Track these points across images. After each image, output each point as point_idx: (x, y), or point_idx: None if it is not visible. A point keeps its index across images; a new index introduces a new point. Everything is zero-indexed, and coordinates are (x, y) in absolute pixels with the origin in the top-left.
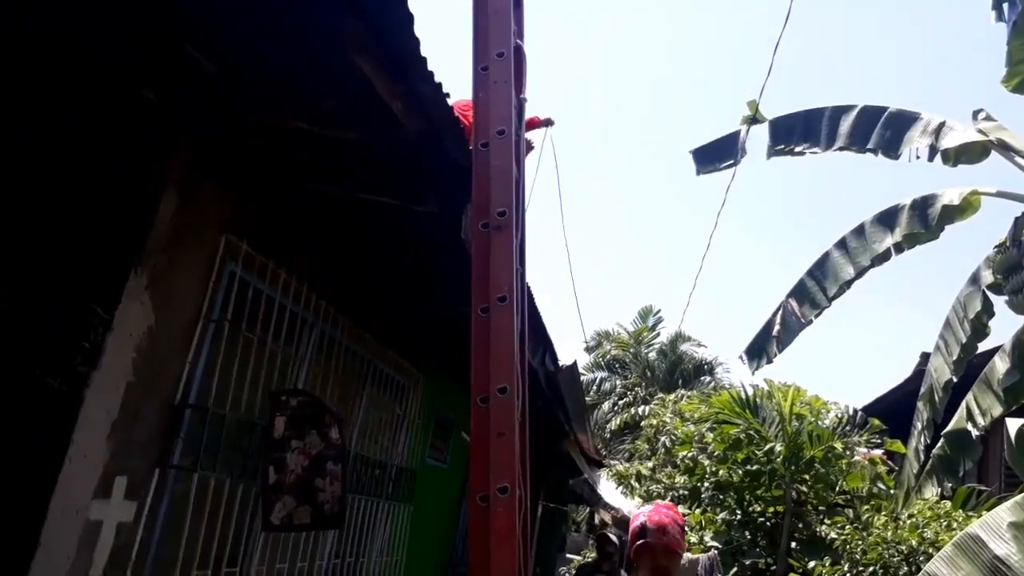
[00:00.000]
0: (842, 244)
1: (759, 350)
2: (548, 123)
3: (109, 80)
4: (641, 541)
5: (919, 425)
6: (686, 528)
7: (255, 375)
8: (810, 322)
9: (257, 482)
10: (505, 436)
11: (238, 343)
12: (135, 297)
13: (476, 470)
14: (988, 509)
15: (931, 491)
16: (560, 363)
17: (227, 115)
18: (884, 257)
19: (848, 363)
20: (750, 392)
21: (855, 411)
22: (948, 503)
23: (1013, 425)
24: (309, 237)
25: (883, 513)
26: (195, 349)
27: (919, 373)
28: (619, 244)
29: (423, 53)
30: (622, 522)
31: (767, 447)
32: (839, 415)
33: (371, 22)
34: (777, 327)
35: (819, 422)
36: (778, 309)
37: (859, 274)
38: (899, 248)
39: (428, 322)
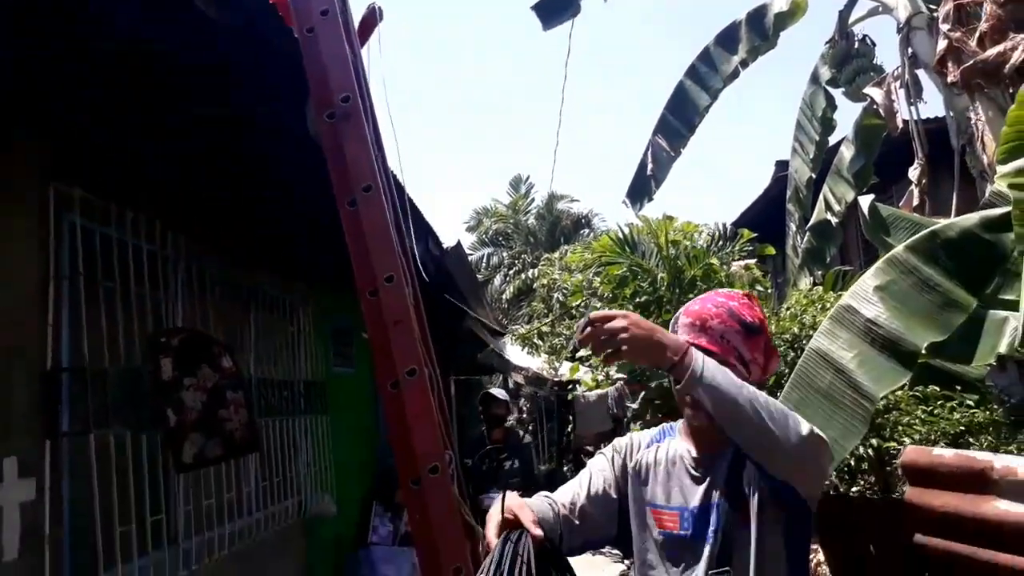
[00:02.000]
0: (693, 72)
1: (639, 191)
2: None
3: None
4: None
5: (792, 226)
6: (753, 326)
7: (128, 324)
8: (679, 154)
9: (159, 428)
10: (402, 322)
11: (100, 295)
12: None
13: (380, 360)
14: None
15: (804, 282)
16: (444, 246)
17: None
18: (733, 76)
19: (712, 184)
20: (627, 231)
21: (725, 226)
22: (820, 288)
23: (864, 201)
24: (152, 170)
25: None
26: (53, 311)
27: (778, 180)
28: (479, 119)
29: None
30: (535, 379)
31: (651, 278)
32: (711, 233)
33: None
34: (651, 166)
35: (694, 244)
36: (648, 148)
37: (714, 97)
38: (744, 64)
39: (303, 230)
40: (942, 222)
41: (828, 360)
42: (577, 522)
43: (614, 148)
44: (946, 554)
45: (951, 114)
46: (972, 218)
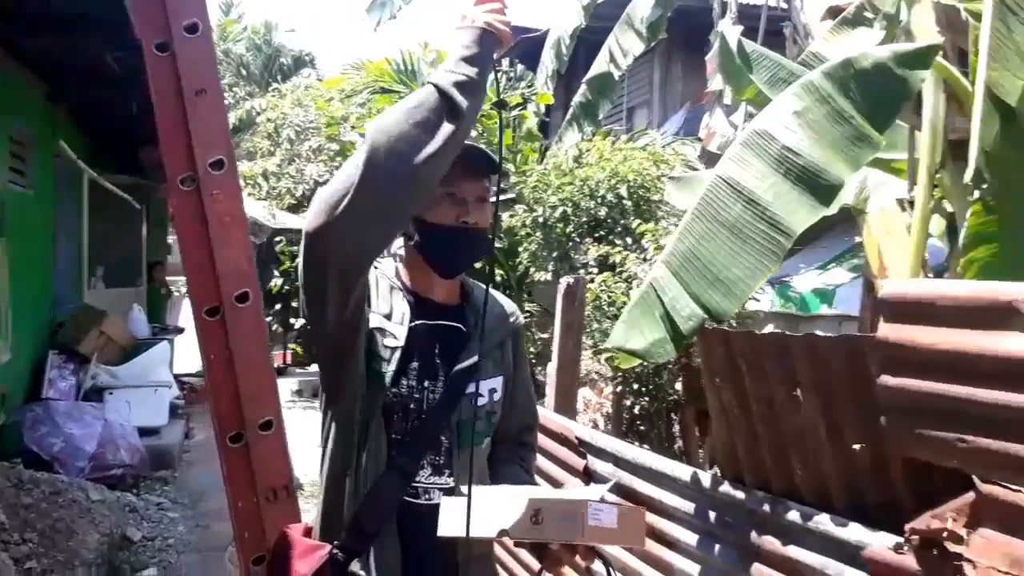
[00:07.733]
0: None
1: (381, 3)
2: None
3: None
4: None
5: (543, 75)
6: None
7: None
8: None
9: None
10: (207, 94)
11: None
12: None
13: (170, 143)
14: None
15: (573, 137)
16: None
17: None
18: None
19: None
20: (406, 56)
21: (515, 66)
22: (598, 139)
23: (732, 32)
24: None
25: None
26: None
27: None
28: None
29: None
30: (254, 227)
31: None
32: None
33: None
34: None
35: None
36: None
37: None
38: None
39: None
40: (856, 52)
41: (738, 190)
42: None
43: None
44: (928, 397)
45: None
46: (884, 51)
